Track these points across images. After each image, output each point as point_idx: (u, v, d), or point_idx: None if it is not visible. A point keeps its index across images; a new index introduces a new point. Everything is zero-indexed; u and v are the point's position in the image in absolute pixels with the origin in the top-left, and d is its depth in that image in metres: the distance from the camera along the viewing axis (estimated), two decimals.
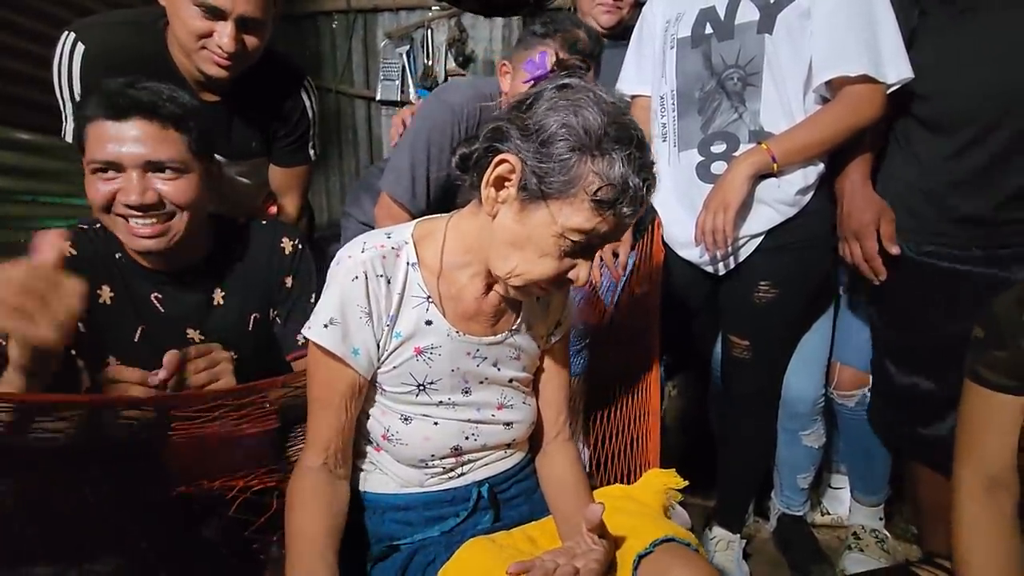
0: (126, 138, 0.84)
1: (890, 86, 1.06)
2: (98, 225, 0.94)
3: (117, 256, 0.93)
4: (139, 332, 0.93)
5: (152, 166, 0.86)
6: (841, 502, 1.58)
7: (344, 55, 3.03)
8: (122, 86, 0.86)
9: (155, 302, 0.95)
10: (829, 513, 1.60)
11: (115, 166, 0.85)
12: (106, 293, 0.92)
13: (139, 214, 0.86)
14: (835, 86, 1.08)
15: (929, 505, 1.28)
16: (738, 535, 1.45)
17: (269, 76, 1.23)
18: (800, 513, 1.52)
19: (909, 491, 1.40)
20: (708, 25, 1.13)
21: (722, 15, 1.12)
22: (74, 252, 0.90)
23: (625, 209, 0.66)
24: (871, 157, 1.16)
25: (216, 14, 1.06)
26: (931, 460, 1.22)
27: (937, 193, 1.11)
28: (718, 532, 1.45)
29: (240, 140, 1.27)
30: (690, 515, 1.53)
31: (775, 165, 1.08)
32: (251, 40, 1.11)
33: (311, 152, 1.39)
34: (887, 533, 1.48)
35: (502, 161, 0.68)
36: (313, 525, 0.71)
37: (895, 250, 1.12)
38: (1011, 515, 0.79)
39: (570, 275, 0.71)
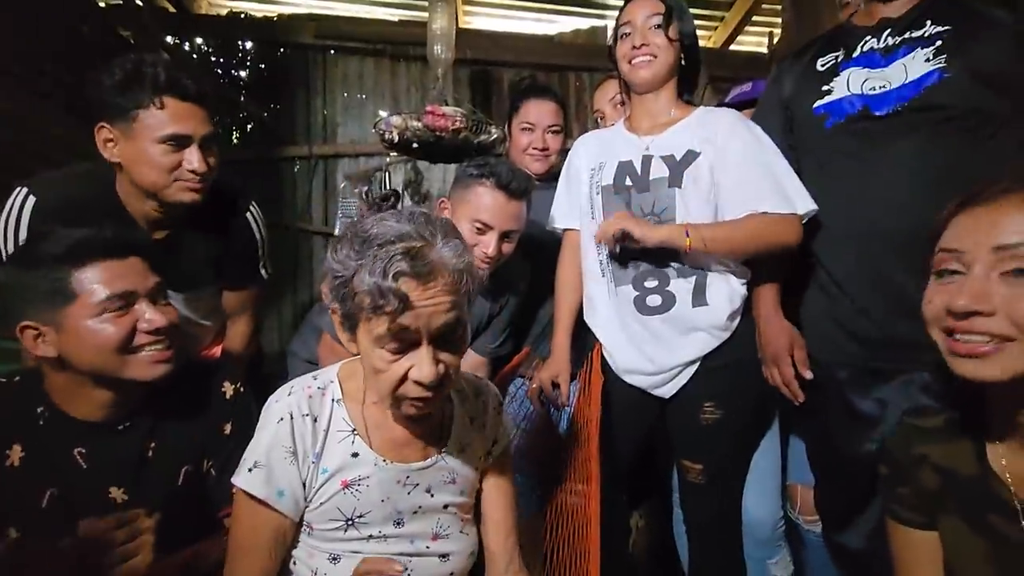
0: (133, 272, 0.90)
1: (802, 217, 1.17)
2: (16, 378, 0.89)
3: (39, 410, 0.88)
4: (48, 496, 0.85)
5: (154, 294, 0.92)
6: None
7: (304, 195, 3.17)
8: (115, 230, 0.92)
9: (77, 458, 0.88)
10: None
11: (130, 297, 0.88)
12: (16, 454, 0.85)
13: (160, 339, 0.90)
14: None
15: None
16: None
17: (212, 203, 1.26)
18: None
19: None
20: (627, 178, 1.27)
21: (638, 171, 1.26)
22: None
23: (391, 306, 0.67)
24: (781, 284, 1.25)
25: (182, 142, 1.11)
26: None
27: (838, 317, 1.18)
28: None
29: (188, 272, 1.28)
30: None
31: (687, 242, 1.14)
32: (212, 158, 1.17)
33: (263, 272, 1.41)
34: None
35: (333, 310, 0.74)
36: None
37: (808, 375, 1.18)
38: None
39: (411, 374, 0.71)
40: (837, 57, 1.19)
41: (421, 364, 0.70)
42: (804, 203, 1.17)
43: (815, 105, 1.19)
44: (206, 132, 1.14)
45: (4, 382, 0.89)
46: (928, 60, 1.07)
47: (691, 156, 1.21)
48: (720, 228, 1.18)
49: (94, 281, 0.85)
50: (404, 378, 0.71)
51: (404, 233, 0.70)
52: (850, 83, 1.15)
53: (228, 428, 0.99)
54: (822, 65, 1.21)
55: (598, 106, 1.76)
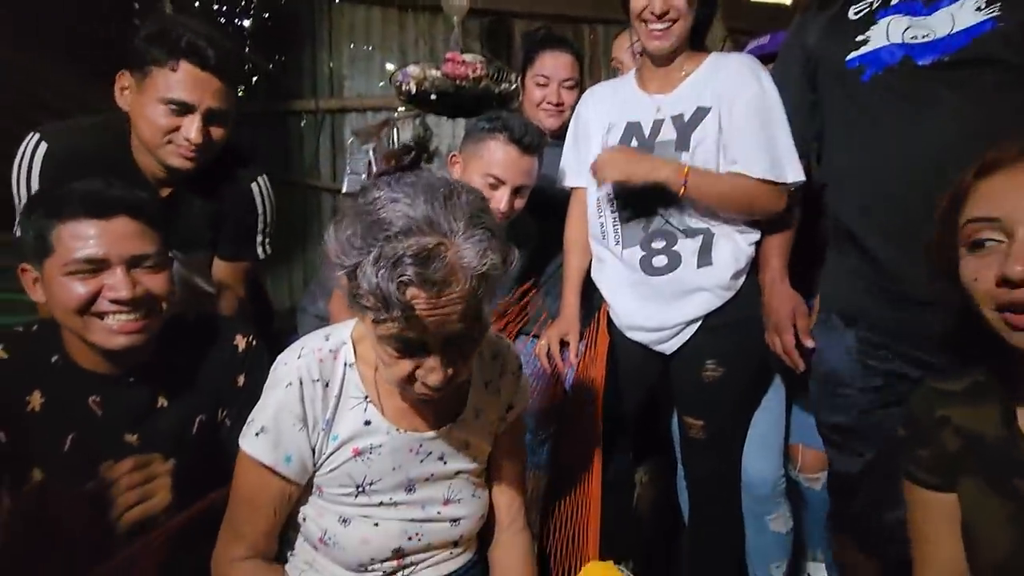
0: (112, 235, 0.84)
1: (789, 185, 1.16)
2: (34, 327, 0.90)
3: (53, 359, 0.89)
4: (70, 440, 0.87)
5: (134, 261, 0.86)
6: None
7: (312, 151, 3.13)
8: (103, 185, 0.87)
9: (92, 406, 0.90)
10: None
11: (100, 263, 0.84)
12: (36, 399, 0.87)
13: (125, 309, 0.85)
14: None
15: None
16: None
17: (221, 166, 1.26)
18: None
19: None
20: (634, 139, 1.24)
21: (646, 133, 1.23)
22: (5, 356, 0.86)
23: (397, 313, 0.59)
24: (788, 249, 1.23)
25: (184, 109, 1.10)
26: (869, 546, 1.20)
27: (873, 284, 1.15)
28: None
29: (187, 231, 1.27)
30: None
31: (682, 189, 1.14)
32: (216, 132, 1.15)
33: (260, 250, 1.38)
34: None
35: (342, 283, 0.67)
36: None
37: (809, 344, 1.17)
38: None
39: (418, 375, 0.67)
40: (872, 4, 1.11)
41: (429, 371, 0.65)
42: (794, 172, 1.16)
43: (849, 57, 1.11)
44: (215, 105, 1.12)
45: (21, 331, 0.90)
46: (979, 9, 0.99)
47: (700, 114, 1.18)
48: (716, 181, 1.17)
49: (69, 239, 0.83)
50: (412, 376, 0.67)
51: (417, 224, 0.59)
52: (890, 32, 1.07)
53: (241, 380, 1.00)
54: (855, 13, 1.13)
55: (616, 54, 1.70)
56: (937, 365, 1.06)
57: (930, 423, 0.81)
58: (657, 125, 1.23)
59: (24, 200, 1.13)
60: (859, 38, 1.11)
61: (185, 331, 0.99)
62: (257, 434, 0.72)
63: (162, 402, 0.95)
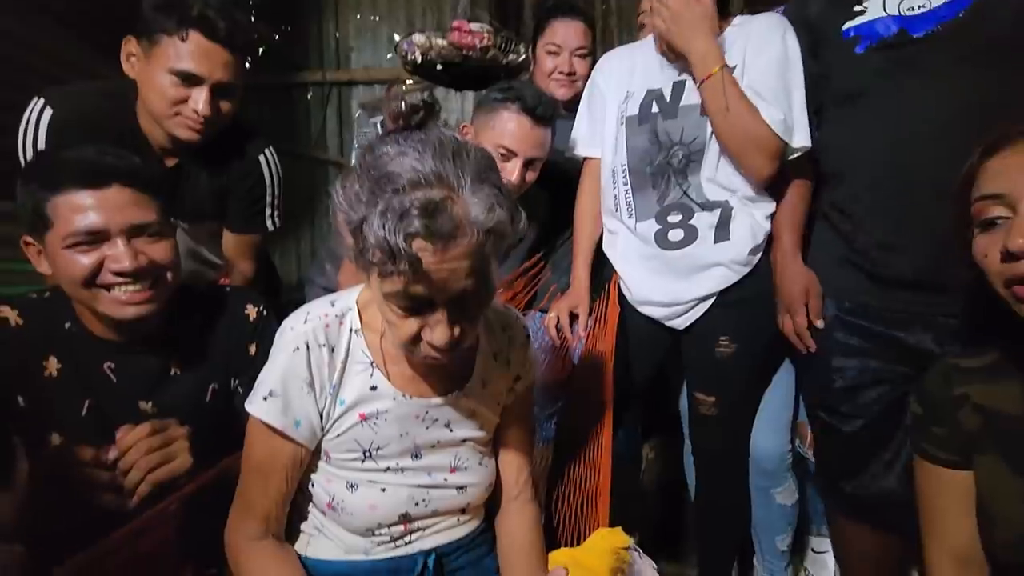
0: (109, 205, 0.82)
1: (792, 151, 1.14)
2: (47, 294, 0.90)
3: (67, 326, 0.90)
4: (87, 405, 0.88)
5: (135, 230, 0.85)
6: (825, 566, 1.54)
7: (319, 124, 3.10)
8: (96, 154, 0.84)
9: (107, 372, 0.90)
10: None
11: (100, 235, 0.82)
12: (52, 365, 0.87)
13: (129, 281, 0.84)
14: None
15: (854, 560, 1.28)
16: None
17: (228, 138, 1.25)
18: None
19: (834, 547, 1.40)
20: (655, 104, 1.21)
21: (668, 97, 1.20)
22: (20, 322, 0.86)
23: (404, 266, 0.58)
24: (801, 225, 1.21)
25: (193, 81, 1.09)
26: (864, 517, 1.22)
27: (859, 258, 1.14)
28: None
29: (193, 201, 1.27)
30: None
31: (700, 83, 1.12)
32: (225, 105, 1.14)
33: (269, 222, 1.37)
34: None
35: (348, 243, 0.67)
36: None
37: (820, 324, 1.16)
38: None
39: (424, 335, 0.66)
40: None
41: (435, 330, 0.64)
42: (800, 137, 1.13)
43: (845, 27, 1.09)
44: (224, 78, 1.11)
45: (35, 298, 0.90)
46: None
47: None
48: (738, 99, 1.11)
49: (66, 211, 0.81)
50: (418, 336, 0.66)
51: (425, 177, 0.59)
52: (886, 3, 1.06)
53: (253, 349, 1.01)
54: None
55: (643, 7, 1.65)
56: (917, 345, 1.07)
57: (947, 401, 0.81)
58: (679, 88, 1.19)
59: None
60: (856, 8, 1.09)
61: (196, 301, 0.99)
62: (265, 398, 0.72)
63: (175, 370, 0.95)
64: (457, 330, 0.66)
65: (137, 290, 0.85)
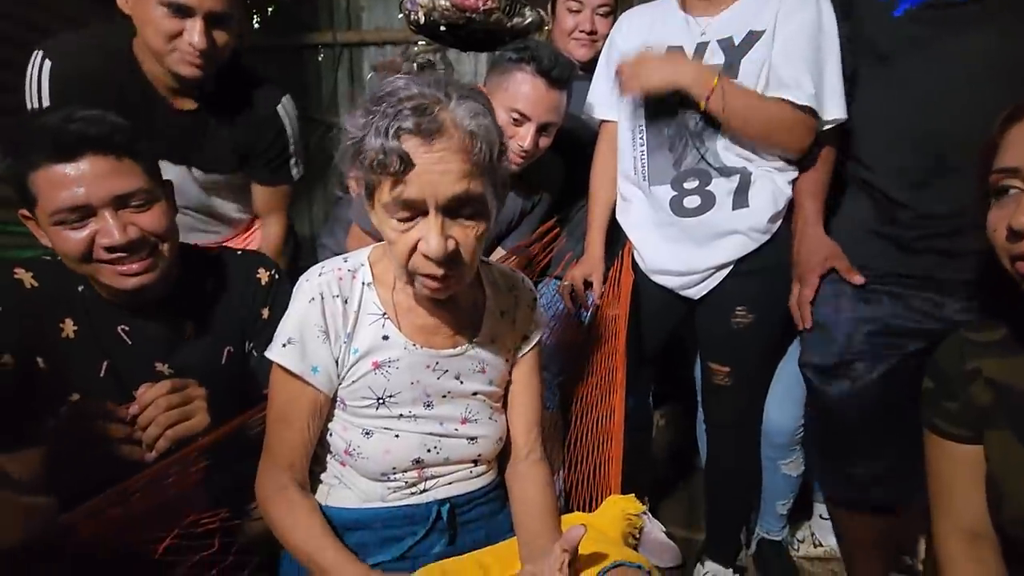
0: (85, 177, 0.79)
1: (824, 123, 1.09)
2: (59, 256, 0.90)
3: (80, 288, 0.90)
4: (105, 366, 0.90)
5: (120, 201, 0.82)
6: (831, 532, 1.55)
7: (330, 86, 3.05)
8: (60, 121, 0.78)
9: (122, 334, 0.91)
10: (822, 545, 1.57)
11: (84, 210, 0.80)
12: (69, 327, 0.88)
13: (124, 255, 0.82)
14: None
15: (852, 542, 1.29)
16: (730, 569, 1.42)
17: (244, 89, 1.25)
18: (779, 538, 1.51)
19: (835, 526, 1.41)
20: None
21: (689, 57, 1.14)
22: (36, 284, 0.87)
23: (392, 166, 0.65)
24: (824, 192, 1.17)
25: (183, 12, 1.08)
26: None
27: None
28: (710, 567, 1.43)
29: (212, 151, 1.27)
30: (682, 550, 1.50)
31: (702, 104, 1.09)
32: (220, 36, 1.13)
33: (293, 171, 1.39)
34: None
35: (356, 178, 0.72)
36: (315, 528, 0.74)
37: (858, 279, 1.12)
38: (995, 565, 0.78)
39: (419, 247, 0.69)
40: None
41: (428, 235, 0.67)
42: (833, 109, 1.08)
43: None
44: (216, 7, 1.09)
45: (49, 260, 0.90)
46: None
47: (752, 38, 1.09)
48: (747, 99, 1.08)
49: (46, 186, 0.78)
50: (414, 249, 0.69)
51: (416, 92, 0.67)
52: None
53: (266, 312, 1.01)
54: None
55: None
56: (938, 315, 1.05)
57: (959, 375, 0.80)
58: (701, 48, 1.14)
59: None
60: None
61: (208, 265, 0.99)
62: (284, 345, 0.76)
63: (190, 333, 0.96)
64: (451, 243, 0.69)
65: (134, 262, 0.83)
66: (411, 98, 0.66)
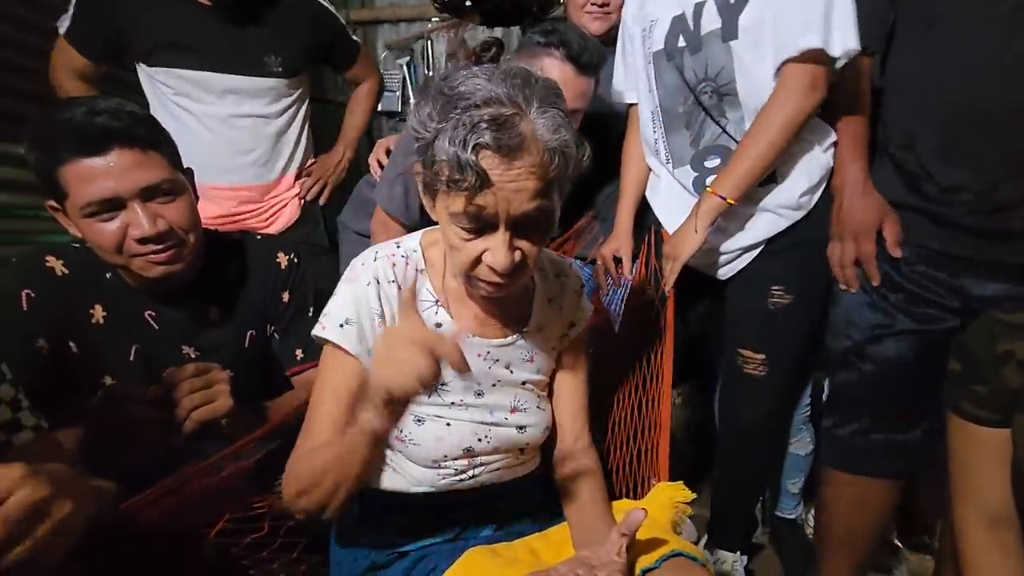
0: (113, 170, 0.81)
1: (835, 60, 1.00)
2: (88, 243, 0.93)
3: (107, 275, 0.92)
4: (134, 350, 0.92)
5: (148, 193, 0.84)
6: None
7: None
8: (86, 115, 0.80)
9: (149, 319, 0.94)
10: None
11: (113, 202, 0.82)
12: (99, 312, 0.91)
13: (156, 246, 0.85)
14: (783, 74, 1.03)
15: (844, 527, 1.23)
16: (738, 552, 1.41)
17: None
18: (792, 516, 1.50)
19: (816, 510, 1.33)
20: (681, 37, 1.10)
21: (691, 25, 1.08)
22: (66, 271, 0.89)
23: (468, 183, 0.61)
24: (865, 149, 1.10)
25: None
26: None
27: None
28: (719, 552, 1.42)
29: (250, 52, 1.39)
30: (697, 527, 1.51)
31: (729, 201, 1.05)
32: None
33: (353, 44, 1.63)
34: (898, 543, 1.45)
35: (417, 171, 0.70)
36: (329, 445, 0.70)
37: (898, 252, 1.06)
38: (1017, 550, 0.77)
39: (485, 258, 0.67)
40: None
41: (496, 250, 0.66)
42: (844, 39, 0.97)
43: None
44: None
45: (78, 247, 0.92)
46: None
47: None
48: (740, 161, 1.04)
49: (75, 181, 0.80)
50: (478, 259, 0.68)
51: (494, 96, 0.62)
52: None
53: (286, 296, 1.03)
54: None
55: None
56: (966, 294, 1.02)
57: (990, 358, 0.78)
58: (699, 10, 1.06)
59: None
60: None
61: (230, 251, 1.01)
62: (342, 325, 0.74)
63: (213, 317, 0.98)
64: (517, 255, 0.67)
65: (162, 252, 0.86)
66: (488, 104, 0.62)
